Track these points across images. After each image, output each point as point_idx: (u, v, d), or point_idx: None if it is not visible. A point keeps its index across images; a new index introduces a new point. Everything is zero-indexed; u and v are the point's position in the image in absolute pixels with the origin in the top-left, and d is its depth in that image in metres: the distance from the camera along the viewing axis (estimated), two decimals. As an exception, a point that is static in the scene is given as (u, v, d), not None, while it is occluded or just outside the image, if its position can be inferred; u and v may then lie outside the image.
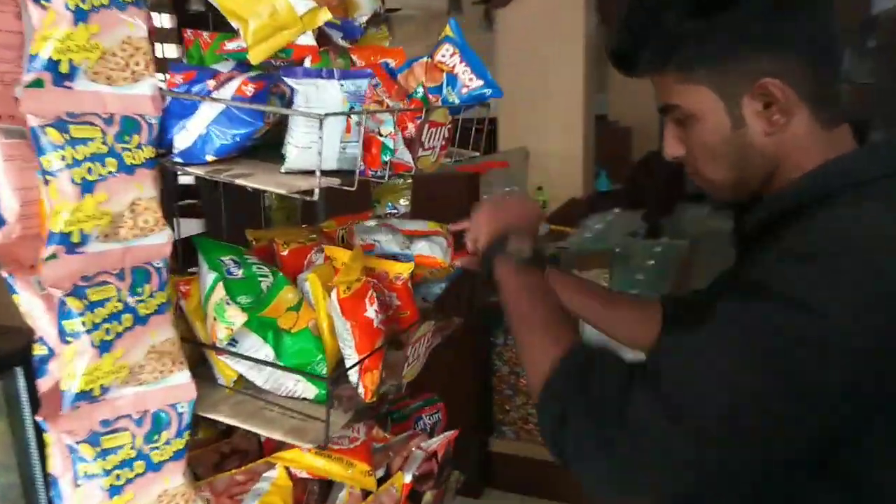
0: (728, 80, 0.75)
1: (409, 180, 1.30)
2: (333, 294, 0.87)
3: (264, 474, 0.95)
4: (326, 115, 0.75)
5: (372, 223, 1.14)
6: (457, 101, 1.00)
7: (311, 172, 0.80)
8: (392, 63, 1.00)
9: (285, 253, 1.02)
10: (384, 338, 0.94)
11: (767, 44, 0.73)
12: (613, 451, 0.66)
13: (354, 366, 0.88)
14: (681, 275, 3.07)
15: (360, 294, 0.89)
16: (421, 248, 1.10)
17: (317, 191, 0.75)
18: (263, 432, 0.84)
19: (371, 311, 0.91)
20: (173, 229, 0.79)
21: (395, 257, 1.10)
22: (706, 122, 0.78)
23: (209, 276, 0.88)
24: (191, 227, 2.66)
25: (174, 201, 0.98)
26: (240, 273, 0.88)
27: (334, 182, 0.80)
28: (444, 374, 2.82)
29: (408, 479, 0.98)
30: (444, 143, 0.97)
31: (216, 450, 1.00)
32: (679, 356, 0.68)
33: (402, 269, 1.00)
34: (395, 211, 1.29)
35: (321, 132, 0.75)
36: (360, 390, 0.93)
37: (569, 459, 0.70)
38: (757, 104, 0.75)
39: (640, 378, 0.68)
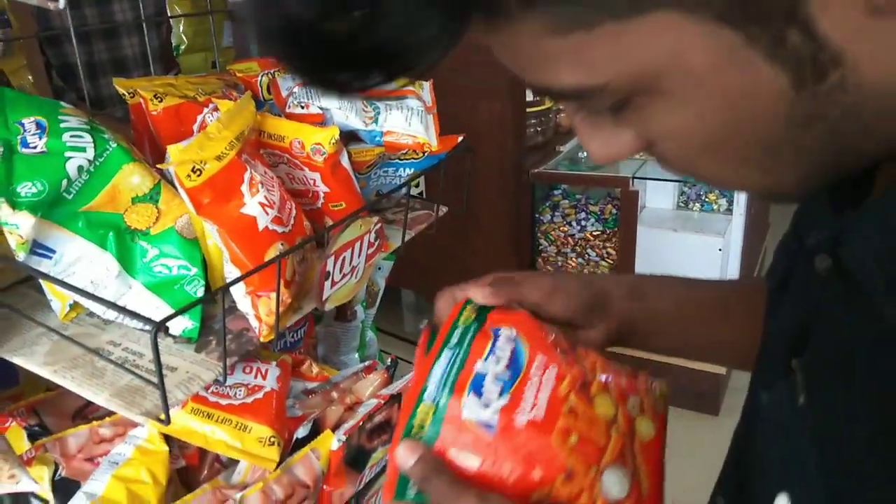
0: None
1: None
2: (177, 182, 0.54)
3: (131, 432, 0.67)
4: None
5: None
6: None
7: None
8: None
9: (157, 112, 0.68)
10: (289, 243, 0.61)
11: None
12: None
13: (216, 293, 0.56)
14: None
15: (225, 179, 0.56)
16: (393, 121, 0.73)
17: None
18: (81, 391, 0.55)
19: (253, 206, 0.57)
20: None
21: (355, 136, 0.75)
22: (692, 88, 0.32)
23: None
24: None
25: None
26: (40, 145, 0.55)
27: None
28: (484, 255, 2.53)
29: (335, 444, 0.68)
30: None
31: (79, 391, 0.72)
32: None
33: (323, 138, 0.64)
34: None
35: None
36: (254, 324, 0.62)
37: None
38: None
39: None
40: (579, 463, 0.45)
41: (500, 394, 0.47)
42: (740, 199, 2.26)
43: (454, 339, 0.49)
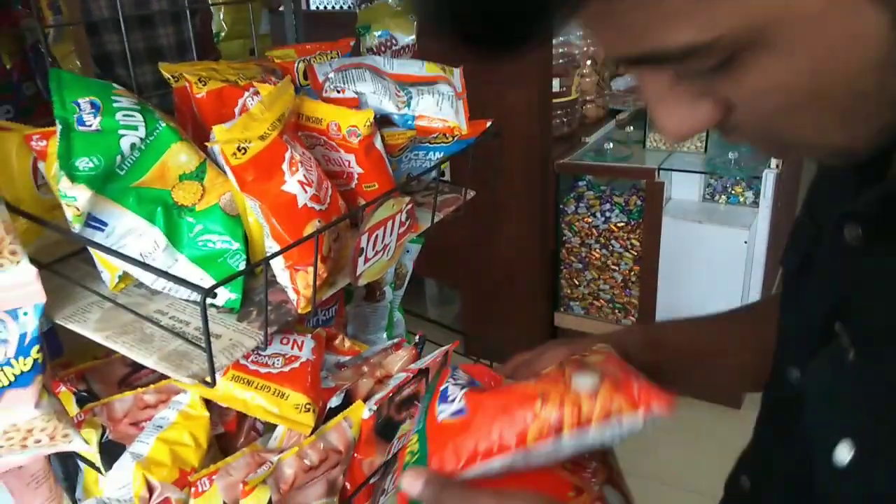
0: None
1: (412, -3, 0.94)
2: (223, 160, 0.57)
3: (174, 398, 0.71)
4: None
5: (347, 60, 0.81)
6: None
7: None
8: None
9: (201, 95, 0.71)
10: (325, 220, 0.64)
11: None
12: None
13: (258, 265, 0.59)
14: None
15: (267, 158, 0.59)
16: (425, 105, 0.75)
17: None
18: (131, 354, 0.59)
19: (293, 184, 0.60)
20: None
21: (388, 120, 0.77)
22: (809, 38, 0.33)
23: (58, 128, 0.59)
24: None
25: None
26: (95, 123, 0.59)
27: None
28: (508, 244, 2.55)
29: (367, 413, 0.71)
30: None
31: (125, 360, 0.76)
32: None
33: (358, 121, 0.67)
34: (392, 42, 0.94)
35: None
36: (292, 296, 0.65)
37: None
38: None
39: None
40: (547, 385, 0.49)
41: (462, 388, 0.52)
42: (767, 191, 2.25)
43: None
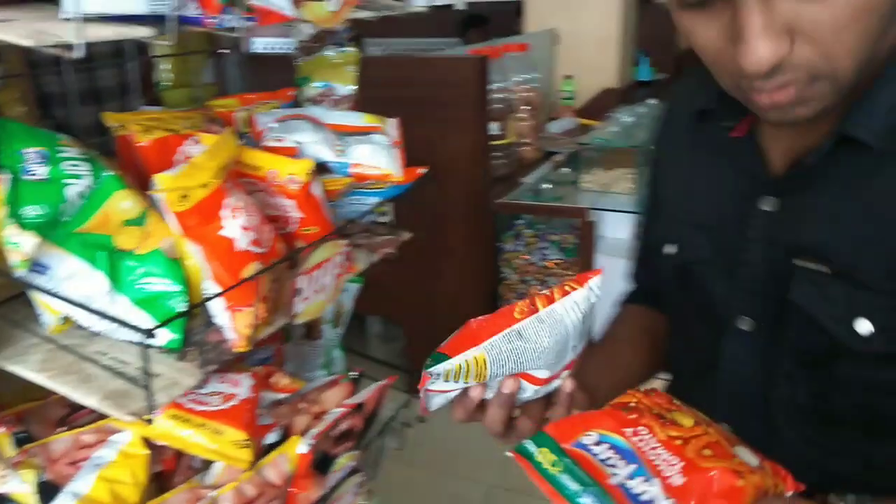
0: None
1: (352, 49, 1.00)
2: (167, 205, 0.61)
3: (111, 437, 0.72)
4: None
5: (287, 111, 0.86)
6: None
7: (119, 19, 0.52)
8: None
9: (145, 143, 0.74)
10: (265, 263, 0.68)
11: None
12: None
13: (196, 306, 0.62)
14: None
15: (209, 205, 0.63)
16: (360, 153, 0.81)
17: (78, 44, 0.47)
18: (73, 395, 0.61)
19: (232, 228, 0.64)
20: None
21: (326, 167, 0.82)
22: None
23: (3, 177, 0.62)
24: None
25: None
26: (42, 173, 0.62)
27: (133, 32, 0.51)
28: (451, 281, 2.61)
29: (304, 448, 0.74)
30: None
31: (63, 402, 0.77)
32: None
33: (298, 169, 0.72)
34: (331, 92, 0.99)
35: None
36: (231, 336, 0.68)
37: None
38: None
39: None
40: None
41: (648, 482, 0.49)
42: (693, 230, 2.38)
43: (570, 485, 0.50)
